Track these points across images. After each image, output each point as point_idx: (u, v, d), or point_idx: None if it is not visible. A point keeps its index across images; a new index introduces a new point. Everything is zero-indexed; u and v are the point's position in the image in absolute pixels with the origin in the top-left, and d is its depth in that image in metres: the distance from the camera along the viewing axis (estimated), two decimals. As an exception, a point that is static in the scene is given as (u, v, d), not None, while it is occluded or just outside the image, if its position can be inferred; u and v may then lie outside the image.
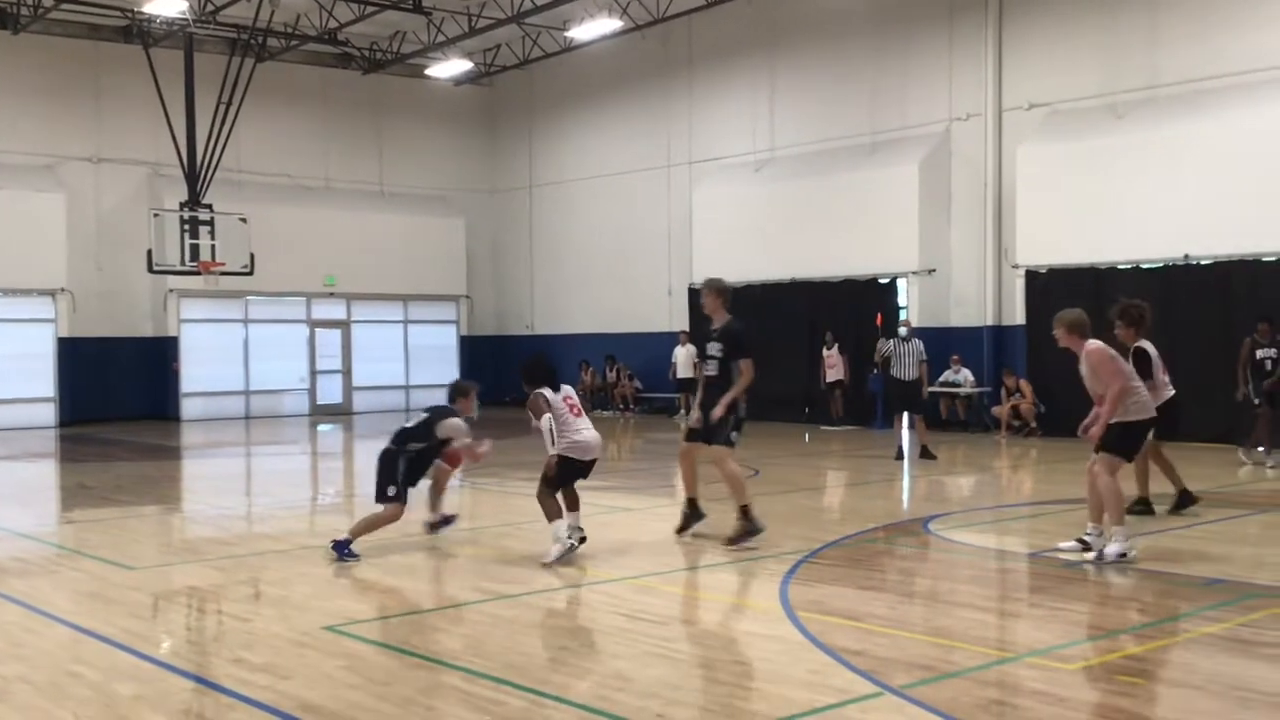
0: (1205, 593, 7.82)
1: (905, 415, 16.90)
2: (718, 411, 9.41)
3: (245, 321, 27.04)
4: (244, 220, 24.13)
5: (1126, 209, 18.08)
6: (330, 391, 28.23)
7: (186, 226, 23.67)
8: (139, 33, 24.62)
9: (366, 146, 29.11)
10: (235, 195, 25.01)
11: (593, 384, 26.88)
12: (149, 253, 23.41)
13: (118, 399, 25.63)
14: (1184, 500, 10.82)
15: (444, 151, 30.24)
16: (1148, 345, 10.28)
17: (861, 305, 21.63)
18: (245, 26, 24.11)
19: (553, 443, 9.12)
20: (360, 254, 27.69)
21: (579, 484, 9.45)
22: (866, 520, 11.28)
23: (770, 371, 22.56)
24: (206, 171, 24.19)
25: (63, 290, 24.83)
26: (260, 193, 26.49)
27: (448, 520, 10.15)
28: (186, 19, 23.47)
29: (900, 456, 16.17)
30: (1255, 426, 14.63)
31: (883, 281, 21.86)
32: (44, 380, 24.90)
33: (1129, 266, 18.32)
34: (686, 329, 24.35)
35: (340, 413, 27.85)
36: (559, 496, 9.22)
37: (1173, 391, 10.43)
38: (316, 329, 28.12)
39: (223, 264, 23.65)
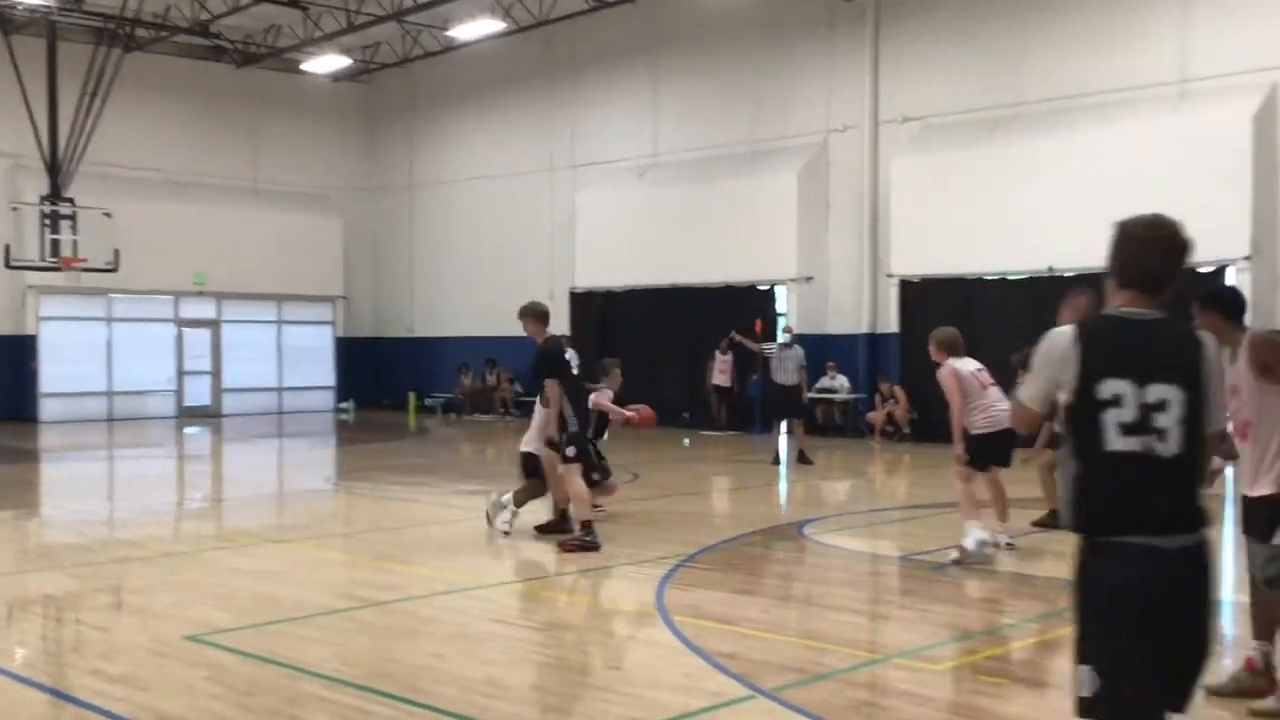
0: (1065, 594, 8.07)
1: (784, 421, 17.14)
2: (551, 430, 9.62)
3: (109, 320, 26.08)
4: (108, 215, 23.27)
5: (995, 221, 18.64)
6: (198, 393, 27.39)
7: (47, 221, 22.75)
8: (-1, 19, 23.61)
9: (240, 142, 28.34)
10: (100, 189, 24.09)
11: (472, 387, 26.63)
12: (6, 248, 22.44)
13: (-29, 399, 24.49)
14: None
15: (321, 149, 29.64)
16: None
17: (742, 311, 21.87)
18: (113, 15, 23.27)
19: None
20: (232, 252, 26.93)
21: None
22: (743, 524, 11.39)
23: (651, 376, 22.86)
24: (69, 164, 23.27)
25: (-88, 285, 23.64)
26: (127, 187, 25.56)
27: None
28: (50, 6, 22.56)
29: (777, 461, 16.37)
30: None
31: (762, 288, 22.14)
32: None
33: (997, 277, 18.89)
34: (568, 333, 24.26)
35: (208, 415, 27.04)
36: None
37: None
38: (184, 328, 27.27)
39: (84, 260, 22.77)
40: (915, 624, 7.32)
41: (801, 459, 16.21)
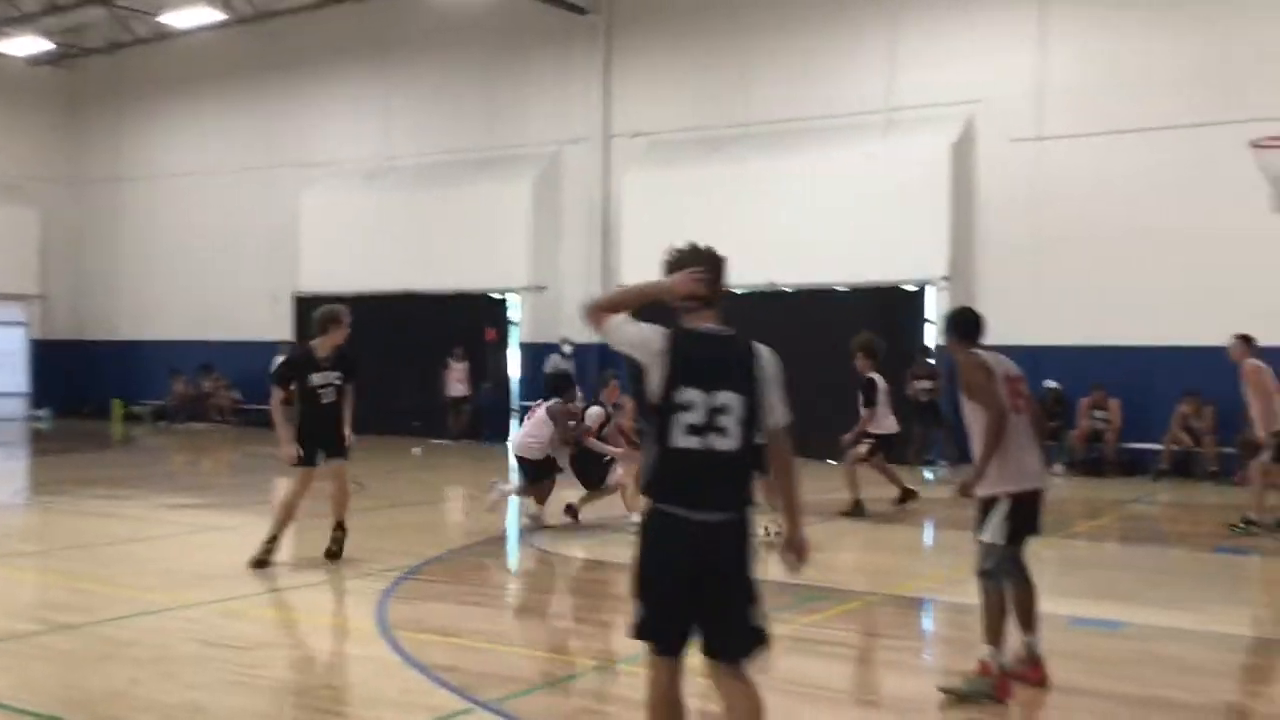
0: (775, 596, 8.38)
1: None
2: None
3: None
4: None
5: (721, 237, 18.70)
6: None
7: None
8: None
9: (-79, 124, 25.79)
10: None
11: (185, 394, 25.18)
12: None
13: None
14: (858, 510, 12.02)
15: (16, 136, 27.27)
16: (878, 377, 11.71)
17: (474, 320, 21.70)
18: None
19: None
20: (-90, 245, 24.44)
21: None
22: (471, 534, 11.25)
23: (384, 385, 22.27)
24: None
25: None
26: None
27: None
28: None
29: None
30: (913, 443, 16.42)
31: (495, 296, 22.03)
32: None
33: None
34: (290, 338, 23.38)
35: (-120, 424, 24.40)
36: None
37: (893, 421, 12.42)
38: None
39: None
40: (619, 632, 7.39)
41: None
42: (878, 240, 17.75)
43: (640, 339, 4.13)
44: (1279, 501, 11.37)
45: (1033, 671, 5.94)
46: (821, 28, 19.43)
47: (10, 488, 15.92)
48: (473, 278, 21.84)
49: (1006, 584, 5.88)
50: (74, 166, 28.31)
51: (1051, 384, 16.74)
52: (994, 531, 5.82)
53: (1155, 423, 16.35)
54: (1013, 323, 16.36)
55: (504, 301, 22.00)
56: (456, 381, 21.46)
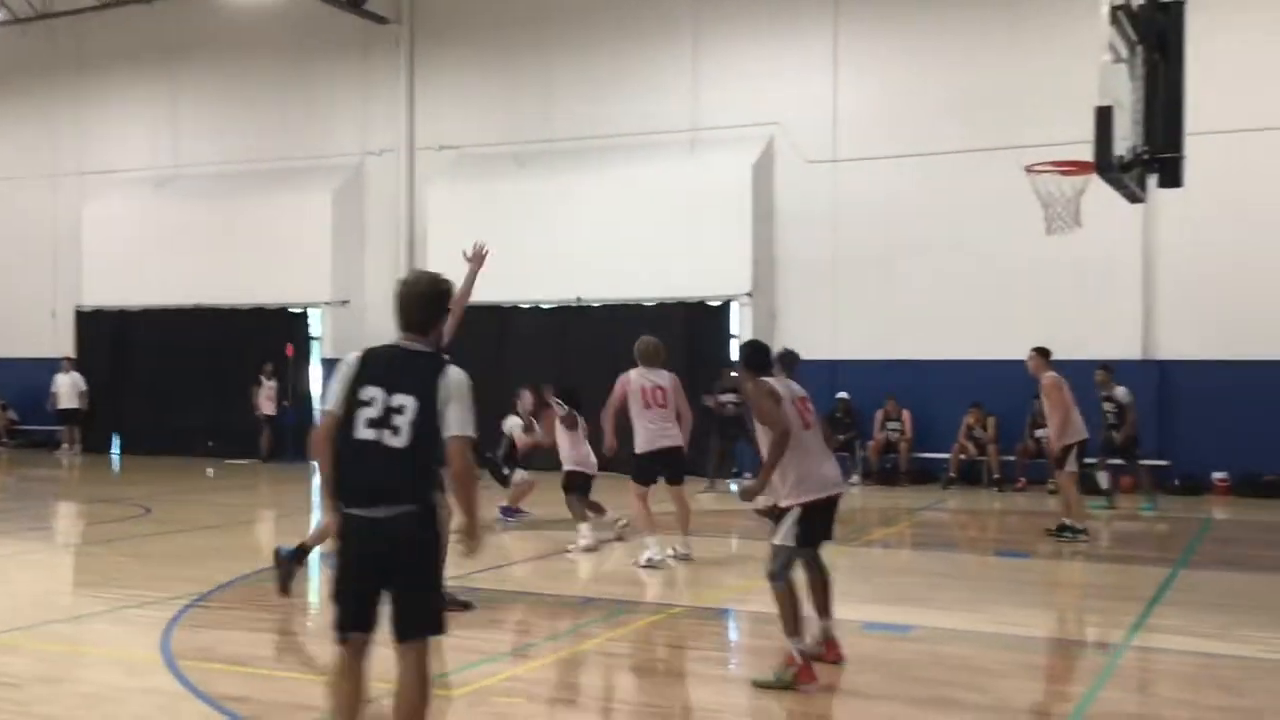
0: (580, 611, 8.39)
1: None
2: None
3: None
4: None
5: (528, 252, 19.07)
6: None
7: None
8: None
9: None
10: None
11: (-45, 416, 23.48)
12: None
13: None
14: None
15: None
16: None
17: (272, 335, 20.98)
18: None
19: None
20: None
21: None
22: (266, 559, 10.81)
23: (174, 403, 21.30)
24: None
25: None
26: None
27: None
28: None
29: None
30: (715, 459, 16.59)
31: (294, 311, 21.36)
32: None
33: (529, 306, 19.44)
34: (71, 355, 22.11)
35: None
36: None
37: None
38: None
39: None
40: (437, 650, 7.25)
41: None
42: (683, 256, 18.04)
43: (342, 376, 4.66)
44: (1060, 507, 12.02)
45: (829, 651, 6.58)
46: (625, 48, 19.66)
47: None
48: (271, 291, 21.15)
49: (803, 576, 6.54)
50: None
51: (843, 395, 17.39)
52: (784, 535, 6.35)
53: (943, 433, 17.14)
54: (811, 337, 16.93)
55: (304, 315, 21.37)
56: (266, 400, 20.67)
